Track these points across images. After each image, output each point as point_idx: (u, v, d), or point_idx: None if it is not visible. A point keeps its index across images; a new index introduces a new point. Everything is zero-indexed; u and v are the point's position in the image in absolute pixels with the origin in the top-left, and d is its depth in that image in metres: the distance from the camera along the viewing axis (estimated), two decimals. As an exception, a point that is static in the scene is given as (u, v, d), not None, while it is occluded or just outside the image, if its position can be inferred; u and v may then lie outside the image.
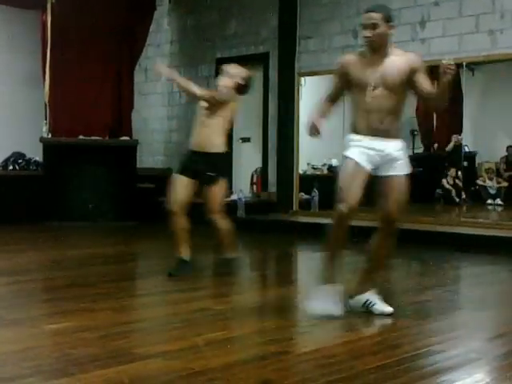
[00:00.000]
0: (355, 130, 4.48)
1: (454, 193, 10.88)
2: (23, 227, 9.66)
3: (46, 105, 10.51)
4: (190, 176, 5.78)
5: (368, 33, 4.38)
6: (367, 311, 4.54)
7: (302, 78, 10.29)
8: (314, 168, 11.19)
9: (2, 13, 10.77)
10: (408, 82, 4.42)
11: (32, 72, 10.83)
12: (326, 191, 10.52)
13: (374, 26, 4.36)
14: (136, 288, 5.92)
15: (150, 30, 11.90)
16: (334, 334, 4.08)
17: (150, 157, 12.28)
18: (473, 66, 9.77)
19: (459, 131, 10.19)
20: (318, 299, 4.41)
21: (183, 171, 5.85)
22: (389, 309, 4.53)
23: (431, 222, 9.07)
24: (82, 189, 10.15)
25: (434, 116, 11.70)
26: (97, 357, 3.60)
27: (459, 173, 10.59)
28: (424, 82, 4.47)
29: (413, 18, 9.17)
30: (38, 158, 10.70)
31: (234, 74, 6.00)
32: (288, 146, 10.34)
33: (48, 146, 10.41)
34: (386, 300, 5.08)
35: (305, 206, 10.40)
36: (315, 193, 10.42)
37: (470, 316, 4.84)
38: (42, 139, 10.35)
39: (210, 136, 5.82)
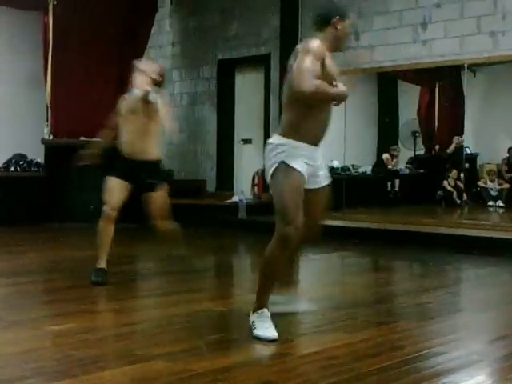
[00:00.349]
0: (297, 135, 4.01)
1: (455, 194, 10.88)
2: (24, 228, 9.66)
3: (47, 106, 10.51)
4: (126, 180, 5.67)
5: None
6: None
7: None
8: (315, 170, 11.17)
9: (3, 14, 10.76)
10: None
11: (34, 73, 10.83)
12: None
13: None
14: (137, 289, 5.92)
15: (152, 31, 11.91)
16: (335, 336, 4.07)
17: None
18: (474, 67, 9.77)
19: (460, 133, 10.19)
20: (258, 328, 4.00)
21: (119, 175, 5.69)
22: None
23: (432, 223, 9.07)
24: (83, 190, 10.14)
25: (436, 117, 11.71)
26: (99, 358, 3.61)
27: (461, 174, 10.59)
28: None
29: (414, 19, 9.18)
30: (40, 159, 10.71)
31: (148, 70, 5.80)
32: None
33: (49, 148, 10.42)
34: (388, 301, 5.08)
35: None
36: (317, 194, 10.39)
37: (472, 318, 4.83)
38: (43, 140, 10.35)
39: (147, 144, 5.70)
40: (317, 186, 4.16)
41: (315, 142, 4.07)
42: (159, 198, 5.72)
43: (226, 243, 8.99)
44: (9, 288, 5.60)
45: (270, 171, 4.03)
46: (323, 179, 4.22)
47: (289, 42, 10.38)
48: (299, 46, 3.99)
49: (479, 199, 11.03)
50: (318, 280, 6.59)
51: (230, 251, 8.57)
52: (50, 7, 10.30)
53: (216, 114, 11.64)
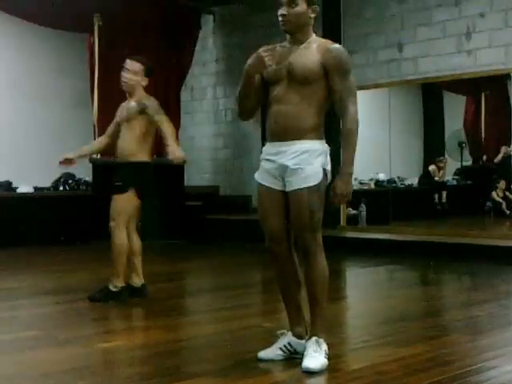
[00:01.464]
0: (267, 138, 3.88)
1: (504, 205, 10.72)
2: (73, 247, 9.80)
3: (94, 125, 10.66)
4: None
5: (283, 10, 3.74)
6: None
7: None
8: (361, 183, 11.13)
9: (50, 36, 10.97)
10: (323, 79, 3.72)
11: (80, 93, 11.02)
12: (373, 206, 10.48)
13: (290, 4, 3.72)
14: (185, 306, 5.95)
15: (196, 49, 12.03)
16: (384, 351, 4.03)
17: (197, 175, 12.36)
18: (520, 76, 9.66)
19: (508, 142, 10.06)
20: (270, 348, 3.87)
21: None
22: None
23: (481, 235, 8.94)
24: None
25: (482, 127, 11.58)
26: (148, 375, 3.63)
27: (510, 185, 10.44)
28: (343, 93, 3.71)
29: (458, 29, 9.10)
30: (88, 178, 10.85)
31: (136, 69, 5.96)
32: (333, 161, 10.27)
33: (97, 166, 10.56)
34: (437, 315, 5.03)
35: (352, 221, 10.35)
36: (363, 208, 10.36)
37: (524, 331, 4.76)
38: (91, 159, 10.49)
39: (132, 146, 5.73)
40: (289, 189, 3.73)
41: (275, 137, 3.79)
42: (120, 199, 5.60)
43: (267, 258, 8.98)
44: (59, 306, 5.68)
45: None
46: (295, 182, 3.70)
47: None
48: None
49: (529, 210, 10.86)
50: (366, 294, 6.55)
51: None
52: (96, 28, 10.47)
53: (260, 129, 11.67)
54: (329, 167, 3.82)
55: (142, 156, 5.73)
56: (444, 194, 11.65)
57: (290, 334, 3.87)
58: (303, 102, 3.70)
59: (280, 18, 3.79)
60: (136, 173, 5.65)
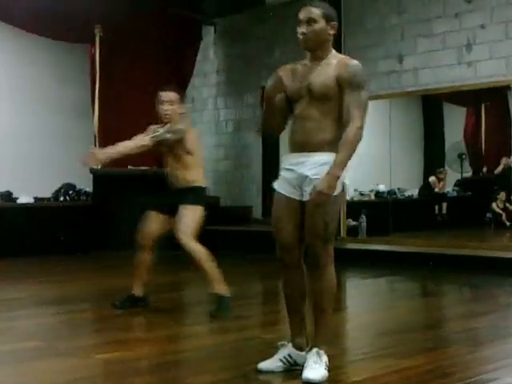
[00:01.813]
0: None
1: (504, 217, 10.72)
2: (73, 257, 9.80)
3: (95, 136, 10.69)
4: (164, 213, 5.73)
5: (303, 28, 3.80)
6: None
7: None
8: (361, 194, 11.14)
9: (51, 47, 11.01)
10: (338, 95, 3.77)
11: (81, 104, 11.05)
12: (373, 217, 10.48)
13: (310, 22, 3.76)
14: (186, 317, 5.95)
15: (197, 60, 12.07)
16: (385, 363, 4.03)
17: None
18: (521, 88, 9.68)
19: (508, 154, 10.07)
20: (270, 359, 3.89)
21: (158, 208, 5.79)
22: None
23: (481, 246, 8.94)
24: (132, 218, 10.22)
25: (482, 139, 11.59)
26: (148, 386, 3.63)
27: (510, 196, 10.45)
28: (351, 105, 3.73)
29: (459, 41, 9.13)
30: (89, 188, 10.87)
31: (172, 99, 5.88)
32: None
33: (98, 177, 10.57)
34: (438, 326, 5.04)
35: (352, 232, 10.35)
36: (363, 219, 10.37)
37: (524, 343, 4.75)
38: (91, 170, 10.50)
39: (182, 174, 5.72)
40: (306, 198, 3.75)
41: (295, 148, 3.88)
42: (184, 213, 5.60)
43: (272, 269, 8.98)
44: (59, 316, 5.68)
45: None
46: (310, 191, 3.72)
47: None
48: None
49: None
50: (366, 305, 6.55)
51: (273, 277, 8.56)
52: (97, 39, 10.51)
53: (261, 140, 11.70)
54: (346, 181, 3.82)
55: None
56: (444, 205, 11.65)
57: (290, 345, 3.89)
58: (323, 117, 3.78)
59: (300, 37, 3.82)
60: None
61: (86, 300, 6.50)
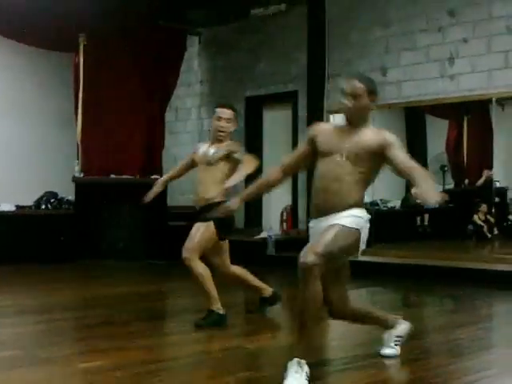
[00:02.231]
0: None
1: (485, 229, 10.78)
2: (55, 266, 9.75)
3: (78, 144, 10.66)
4: None
5: (348, 102, 4.08)
6: None
7: (331, 116, 10.32)
8: (343, 205, 11.16)
9: (34, 55, 10.97)
10: (380, 159, 4.09)
11: (64, 113, 11.01)
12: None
13: (355, 97, 4.06)
14: (168, 326, 5.93)
15: (181, 70, 12.07)
16: (368, 373, 4.04)
17: (180, 195, 12.35)
18: (503, 101, 9.76)
19: (490, 166, 10.14)
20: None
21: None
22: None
23: (463, 258, 8.98)
24: (114, 227, 10.24)
25: (464, 151, 11.67)
26: (129, 396, 3.61)
27: (491, 208, 10.51)
28: (400, 157, 4.10)
29: (441, 54, 9.20)
30: (71, 197, 10.82)
31: (230, 116, 5.85)
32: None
33: (80, 185, 10.53)
34: (419, 337, 5.06)
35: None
36: (345, 230, 10.37)
37: (504, 354, 4.77)
38: (74, 178, 10.47)
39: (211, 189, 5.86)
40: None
41: (320, 213, 4.13)
42: (196, 228, 5.67)
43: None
44: (41, 325, 5.64)
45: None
46: (331, 220, 4.06)
47: (316, 79, 10.47)
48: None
49: (510, 233, 10.92)
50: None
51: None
52: (81, 48, 10.49)
53: (244, 150, 11.69)
54: (364, 232, 4.11)
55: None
56: (426, 216, 11.71)
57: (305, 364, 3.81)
58: (352, 179, 4.05)
59: (344, 109, 4.12)
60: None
61: (67, 309, 6.46)
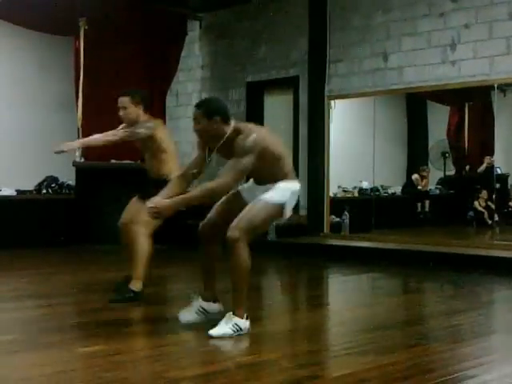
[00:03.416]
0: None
1: (486, 215, 10.80)
2: (55, 250, 9.76)
3: (78, 129, 10.63)
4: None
5: (194, 126, 4.78)
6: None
7: (332, 101, 10.31)
8: (344, 191, 11.18)
9: (35, 39, 10.94)
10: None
11: (65, 97, 10.99)
12: (356, 214, 10.51)
13: (196, 122, 4.73)
14: (167, 311, 5.92)
15: (182, 55, 12.04)
16: (365, 359, 4.05)
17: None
18: (504, 87, 9.74)
19: (491, 153, 10.13)
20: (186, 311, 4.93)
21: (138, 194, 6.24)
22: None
23: (463, 244, 8.99)
24: (114, 212, 10.18)
25: (466, 138, 11.66)
26: (129, 380, 3.62)
27: (492, 195, 10.51)
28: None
29: (443, 40, 9.17)
30: (71, 181, 10.83)
31: (125, 104, 6.16)
32: (318, 168, 10.35)
33: (81, 170, 10.53)
34: (418, 323, 5.07)
35: (335, 228, 10.37)
36: (346, 216, 10.39)
37: (504, 340, 4.77)
38: (74, 163, 10.46)
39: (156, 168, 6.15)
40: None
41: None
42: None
43: (255, 264, 8.98)
44: (40, 309, 5.65)
45: None
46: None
47: (317, 64, 10.44)
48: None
49: (511, 220, 10.93)
50: (347, 301, 6.56)
51: (260, 272, 8.58)
52: (82, 32, 10.45)
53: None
54: (290, 202, 4.80)
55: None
56: (427, 203, 11.72)
57: (200, 299, 4.92)
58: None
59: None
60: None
61: (67, 294, 6.47)
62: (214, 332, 4.49)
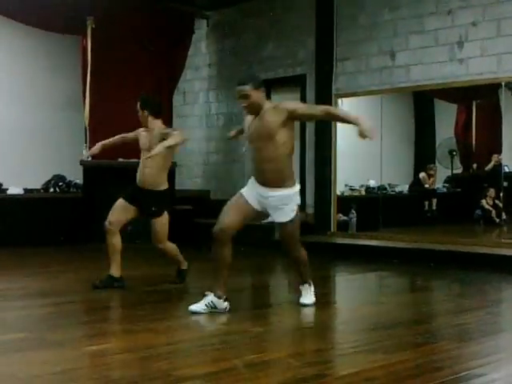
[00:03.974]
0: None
1: (493, 213, 10.76)
2: (63, 249, 9.79)
3: (86, 128, 10.65)
4: (132, 203, 6.57)
5: (243, 102, 5.34)
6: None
7: (340, 100, 10.30)
8: (351, 189, 11.16)
9: (42, 38, 10.97)
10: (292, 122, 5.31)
11: (72, 96, 11.01)
12: (363, 212, 10.50)
13: (246, 97, 5.28)
14: (175, 309, 5.94)
15: (189, 53, 12.04)
16: (373, 357, 4.04)
17: (187, 179, 12.36)
18: (512, 85, 9.71)
19: (499, 151, 10.10)
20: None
21: (127, 197, 6.65)
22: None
23: (471, 243, 8.97)
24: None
25: (473, 136, 11.63)
26: (136, 378, 3.62)
27: (500, 193, 10.47)
28: (309, 109, 5.64)
29: (450, 38, 9.15)
30: (79, 180, 10.84)
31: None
32: (325, 167, 10.35)
33: (88, 169, 10.55)
34: (426, 321, 5.07)
35: (343, 227, 10.37)
36: (353, 214, 10.39)
37: (512, 339, 4.77)
38: (82, 162, 10.48)
39: (153, 176, 6.61)
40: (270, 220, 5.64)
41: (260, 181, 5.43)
42: (158, 222, 6.62)
43: (261, 263, 9.01)
44: (48, 308, 5.66)
45: None
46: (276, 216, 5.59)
47: (324, 62, 10.43)
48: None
49: (519, 218, 10.89)
50: (355, 300, 6.56)
51: (265, 271, 8.59)
52: (89, 31, 10.47)
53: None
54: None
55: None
56: (434, 201, 11.69)
57: (212, 294, 5.29)
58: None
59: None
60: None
61: (75, 292, 6.48)
62: (194, 307, 5.24)
